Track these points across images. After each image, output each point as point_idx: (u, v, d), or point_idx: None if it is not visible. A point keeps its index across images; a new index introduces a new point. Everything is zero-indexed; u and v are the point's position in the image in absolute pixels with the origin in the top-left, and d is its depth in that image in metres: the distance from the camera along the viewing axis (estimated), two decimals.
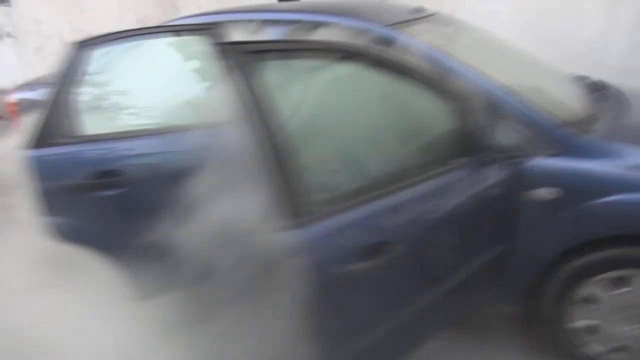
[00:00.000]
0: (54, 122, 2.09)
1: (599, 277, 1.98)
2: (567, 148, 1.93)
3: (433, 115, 1.81)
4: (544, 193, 1.93)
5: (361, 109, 1.67)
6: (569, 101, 2.30)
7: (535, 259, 2.02)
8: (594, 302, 2.03)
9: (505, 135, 1.93)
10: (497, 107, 1.96)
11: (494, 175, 1.89)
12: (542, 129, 1.95)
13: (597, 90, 2.55)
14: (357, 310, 1.46)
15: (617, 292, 1.98)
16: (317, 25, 2.23)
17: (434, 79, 1.79)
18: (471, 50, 2.40)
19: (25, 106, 2.84)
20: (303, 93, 1.47)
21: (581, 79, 2.76)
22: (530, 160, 1.93)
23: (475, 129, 1.83)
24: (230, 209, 1.38)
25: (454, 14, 4.08)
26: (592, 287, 2.01)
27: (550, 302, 2.07)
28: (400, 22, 2.28)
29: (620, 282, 1.97)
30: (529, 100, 2.00)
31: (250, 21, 2.38)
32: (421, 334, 1.83)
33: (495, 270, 2.03)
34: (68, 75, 2.12)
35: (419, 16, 2.52)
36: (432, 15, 2.66)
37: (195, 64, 2.17)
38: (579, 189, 1.92)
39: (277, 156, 1.26)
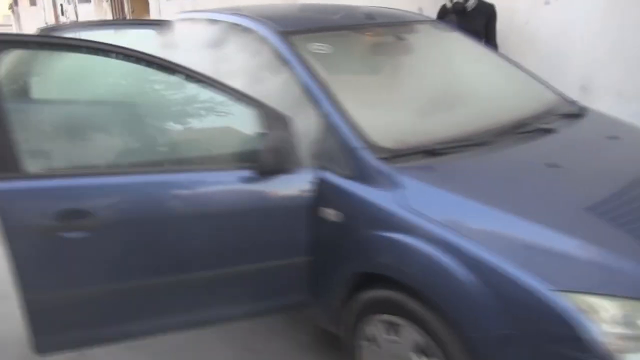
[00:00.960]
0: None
1: (378, 317, 1.82)
2: (359, 172, 1.82)
3: (216, 113, 1.93)
4: (331, 213, 1.87)
5: (119, 95, 1.91)
6: (411, 129, 2.04)
7: (333, 283, 1.95)
8: (375, 344, 1.87)
9: (308, 147, 1.92)
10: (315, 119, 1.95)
11: (285, 184, 1.91)
12: (345, 148, 1.87)
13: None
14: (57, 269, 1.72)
15: (390, 338, 1.79)
16: (234, 26, 2.48)
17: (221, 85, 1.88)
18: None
19: None
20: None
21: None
22: (325, 176, 1.89)
23: (272, 136, 1.87)
24: None
25: (527, 24, 3.73)
26: (374, 327, 1.85)
27: (347, 333, 1.98)
28: (300, 31, 2.33)
29: (392, 328, 1.78)
30: (349, 119, 1.91)
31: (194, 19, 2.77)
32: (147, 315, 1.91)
33: (294, 280, 2.03)
34: None
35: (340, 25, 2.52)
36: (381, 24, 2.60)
37: None
38: (355, 215, 1.80)
39: None
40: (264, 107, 1.88)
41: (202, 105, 1.96)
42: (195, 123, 1.96)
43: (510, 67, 2.74)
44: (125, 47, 1.75)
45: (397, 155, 1.82)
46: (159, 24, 2.94)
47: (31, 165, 1.65)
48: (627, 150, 2.13)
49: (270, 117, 1.87)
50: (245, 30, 2.40)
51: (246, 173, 1.86)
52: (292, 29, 2.32)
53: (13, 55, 1.70)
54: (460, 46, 2.82)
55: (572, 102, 2.57)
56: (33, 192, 1.67)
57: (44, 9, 17.39)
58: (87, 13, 13.28)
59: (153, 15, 9.85)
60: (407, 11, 3.04)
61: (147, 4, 10.12)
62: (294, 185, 1.91)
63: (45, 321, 1.77)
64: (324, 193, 1.89)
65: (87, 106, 1.95)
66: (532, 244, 1.49)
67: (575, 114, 2.41)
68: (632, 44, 3.42)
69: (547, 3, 3.77)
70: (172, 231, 1.82)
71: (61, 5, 15.09)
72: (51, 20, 15.88)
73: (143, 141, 1.91)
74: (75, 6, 14.04)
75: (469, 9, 3.73)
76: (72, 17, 14.08)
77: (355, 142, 1.85)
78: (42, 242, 1.67)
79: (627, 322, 1.35)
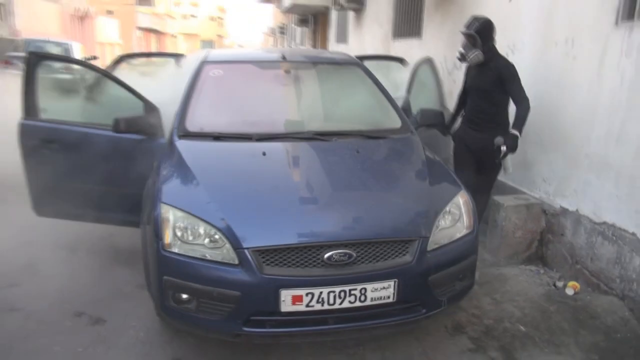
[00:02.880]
0: None
1: None
2: (170, 140, 3.07)
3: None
4: (155, 163, 3.16)
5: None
6: None
7: None
8: None
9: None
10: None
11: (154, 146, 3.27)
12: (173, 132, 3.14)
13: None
14: None
15: None
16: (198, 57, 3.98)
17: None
18: None
19: None
20: None
21: None
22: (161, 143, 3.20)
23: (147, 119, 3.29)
24: None
25: None
26: None
27: None
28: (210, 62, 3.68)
29: None
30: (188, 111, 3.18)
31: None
32: None
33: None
34: None
35: None
36: None
37: None
38: (158, 163, 3.06)
39: None
40: (147, 101, 3.31)
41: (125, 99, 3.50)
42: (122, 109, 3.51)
43: (379, 98, 3.48)
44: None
45: (186, 134, 3.01)
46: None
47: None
48: (345, 159, 2.84)
49: (149, 106, 3.29)
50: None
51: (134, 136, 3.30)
52: (213, 60, 3.67)
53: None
54: (353, 81, 3.67)
55: (403, 128, 3.22)
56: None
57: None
58: None
59: None
60: (345, 55, 4.06)
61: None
62: (155, 145, 3.25)
63: (41, 195, 3.51)
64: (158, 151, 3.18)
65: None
66: (182, 178, 2.56)
67: (375, 137, 3.10)
68: None
69: None
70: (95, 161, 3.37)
71: (290, 46, 18.82)
72: None
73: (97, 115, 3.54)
74: (297, 47, 17.44)
75: (472, 64, 3.55)
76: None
77: (176, 124, 3.10)
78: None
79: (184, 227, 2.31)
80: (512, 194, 3.89)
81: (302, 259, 2.20)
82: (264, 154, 2.79)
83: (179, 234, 2.32)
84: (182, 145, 2.92)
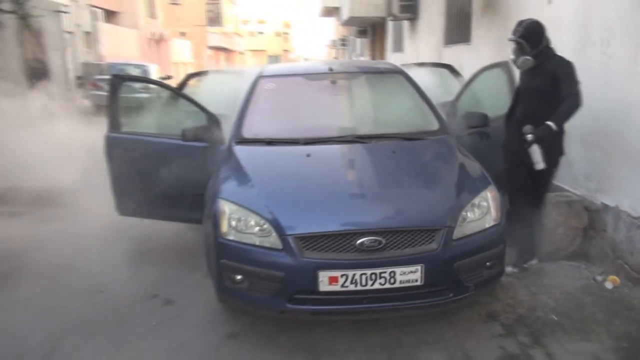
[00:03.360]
0: None
1: None
2: (228, 146, 3.50)
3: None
4: (215, 166, 3.60)
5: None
6: None
7: None
8: None
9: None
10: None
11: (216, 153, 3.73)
12: (230, 134, 3.58)
13: None
14: None
15: None
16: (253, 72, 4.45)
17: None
18: None
19: None
20: None
21: None
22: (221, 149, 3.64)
23: (210, 128, 3.76)
24: None
25: None
26: None
27: None
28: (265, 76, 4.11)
29: None
30: (244, 120, 3.61)
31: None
32: None
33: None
34: None
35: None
36: None
37: None
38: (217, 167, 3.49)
39: None
40: (209, 113, 3.78)
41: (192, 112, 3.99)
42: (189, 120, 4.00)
43: (420, 103, 3.74)
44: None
45: (242, 141, 3.42)
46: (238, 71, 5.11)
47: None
48: (383, 159, 3.14)
49: (211, 118, 3.76)
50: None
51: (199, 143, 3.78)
52: (267, 74, 4.10)
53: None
54: (395, 89, 3.95)
55: (440, 130, 3.46)
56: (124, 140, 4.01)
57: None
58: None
59: None
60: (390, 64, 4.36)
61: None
62: (217, 152, 3.70)
63: (123, 197, 4.07)
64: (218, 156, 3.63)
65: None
66: (232, 178, 2.97)
67: (413, 138, 3.36)
68: None
69: None
70: (169, 167, 3.88)
71: (350, 57, 19.26)
72: None
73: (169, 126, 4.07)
74: (358, 58, 17.84)
75: (522, 68, 3.41)
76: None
77: (234, 132, 3.53)
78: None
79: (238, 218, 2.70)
80: (554, 191, 3.96)
81: (337, 245, 2.51)
82: (308, 155, 3.14)
83: (233, 223, 2.71)
84: (238, 149, 3.34)
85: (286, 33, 79.47)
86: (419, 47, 8.97)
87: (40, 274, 3.77)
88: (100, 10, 20.21)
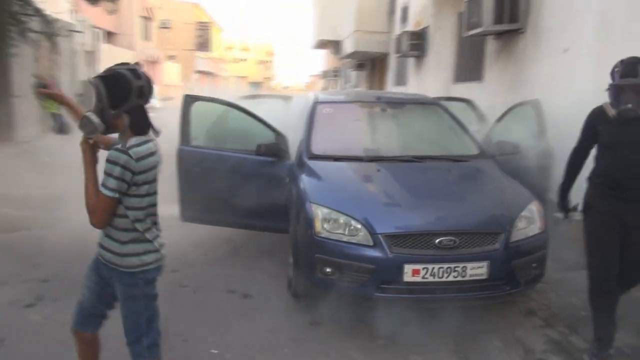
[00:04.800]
0: None
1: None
2: (299, 161, 4.01)
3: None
4: (287, 179, 4.10)
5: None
6: None
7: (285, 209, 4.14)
8: None
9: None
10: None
11: (282, 167, 4.23)
12: (299, 150, 4.09)
13: None
14: None
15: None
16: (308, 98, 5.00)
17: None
18: None
19: None
20: None
21: None
22: (291, 164, 4.14)
23: (278, 145, 4.27)
24: None
25: None
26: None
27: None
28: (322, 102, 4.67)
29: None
30: (312, 138, 4.13)
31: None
32: None
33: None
34: None
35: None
36: None
37: None
38: (291, 179, 3.98)
39: None
40: (277, 131, 4.29)
41: (258, 130, 4.49)
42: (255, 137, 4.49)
43: (458, 131, 4.34)
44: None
45: (313, 156, 3.94)
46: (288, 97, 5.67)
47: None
48: (438, 176, 3.70)
49: (279, 136, 4.27)
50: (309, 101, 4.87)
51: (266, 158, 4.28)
52: (323, 100, 4.65)
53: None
54: (434, 117, 4.56)
55: (480, 154, 4.05)
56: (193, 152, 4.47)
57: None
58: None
59: None
60: (423, 96, 4.98)
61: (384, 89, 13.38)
62: (284, 166, 4.21)
63: (188, 205, 4.50)
64: (289, 170, 4.13)
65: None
66: (320, 187, 3.46)
67: (460, 160, 3.94)
68: None
69: None
70: (234, 178, 4.34)
71: (344, 88, 20.11)
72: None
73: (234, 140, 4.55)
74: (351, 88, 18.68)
75: (624, 116, 2.74)
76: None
77: (303, 148, 4.06)
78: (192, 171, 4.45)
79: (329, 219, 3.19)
80: None
81: (420, 243, 3.03)
82: (378, 170, 3.69)
83: (325, 224, 3.20)
84: (313, 164, 3.85)
85: (268, 61, 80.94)
86: (424, 82, 9.73)
87: None
88: (101, 31, 20.61)
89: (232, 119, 4.71)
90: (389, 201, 3.31)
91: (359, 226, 3.11)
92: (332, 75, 23.47)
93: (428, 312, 3.32)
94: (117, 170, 1.89)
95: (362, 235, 3.09)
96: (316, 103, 4.58)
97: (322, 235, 3.17)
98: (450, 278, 3.02)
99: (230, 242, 4.85)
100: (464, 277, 3.03)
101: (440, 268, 3.00)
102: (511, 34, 6.07)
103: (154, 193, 2.09)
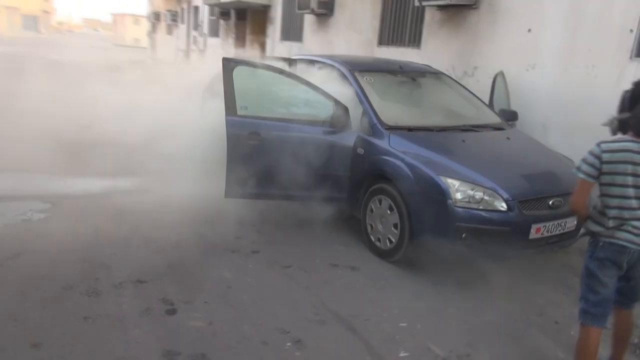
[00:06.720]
0: None
1: (376, 197, 4.05)
2: (374, 132, 4.10)
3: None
4: (359, 150, 4.15)
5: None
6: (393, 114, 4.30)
7: (358, 181, 4.21)
8: (372, 212, 4.09)
9: (355, 122, 4.23)
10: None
11: (346, 138, 4.22)
12: (370, 122, 4.16)
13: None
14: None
15: (378, 206, 4.01)
16: (325, 64, 4.92)
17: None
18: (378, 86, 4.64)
19: None
20: None
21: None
22: (360, 134, 4.18)
23: (340, 115, 4.22)
24: None
25: None
26: (373, 203, 4.08)
27: (363, 209, 4.20)
28: (360, 70, 4.70)
29: (379, 201, 4.00)
30: (375, 109, 4.21)
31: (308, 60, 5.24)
32: None
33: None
34: None
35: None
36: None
37: None
38: (370, 150, 4.07)
39: None
40: (337, 101, 4.23)
41: (311, 98, 4.35)
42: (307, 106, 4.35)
43: (474, 100, 4.91)
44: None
45: (390, 128, 4.09)
46: (288, 60, 5.46)
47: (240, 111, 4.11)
48: (509, 144, 4.27)
49: (339, 105, 4.22)
50: (333, 67, 4.82)
51: (326, 129, 4.20)
52: (357, 69, 4.69)
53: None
54: (448, 87, 5.05)
55: (504, 122, 4.69)
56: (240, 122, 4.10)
57: (177, 38, 21.45)
58: (215, 45, 16.72)
59: (268, 52, 12.82)
60: (427, 65, 5.37)
61: (264, 43, 13.13)
62: (347, 137, 4.21)
63: (235, 179, 4.15)
64: (358, 142, 4.17)
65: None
66: (433, 160, 3.69)
67: (499, 127, 4.54)
68: None
69: None
70: (289, 150, 4.16)
71: (194, 37, 18.83)
72: (183, 48, 19.73)
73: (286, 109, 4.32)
74: (206, 39, 17.62)
75: None
76: (202, 47, 17.65)
77: (374, 120, 4.14)
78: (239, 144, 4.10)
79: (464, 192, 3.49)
80: None
81: (539, 205, 3.58)
82: (463, 140, 4.06)
83: (458, 194, 3.49)
84: (400, 135, 4.02)
85: None
86: (331, 41, 9.99)
87: None
88: None
89: (273, 84, 4.43)
90: (501, 169, 3.74)
91: (491, 194, 3.50)
92: (170, 19, 21.55)
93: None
94: None
95: (497, 202, 3.49)
96: (354, 72, 4.61)
97: (460, 205, 3.47)
98: (557, 232, 3.66)
99: (288, 217, 4.62)
100: (564, 230, 3.70)
101: (551, 224, 3.61)
102: (459, 8, 6.80)
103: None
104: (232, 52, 15.08)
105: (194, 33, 19.10)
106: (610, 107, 5.03)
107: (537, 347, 2.99)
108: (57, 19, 71.27)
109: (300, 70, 5.15)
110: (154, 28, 26.42)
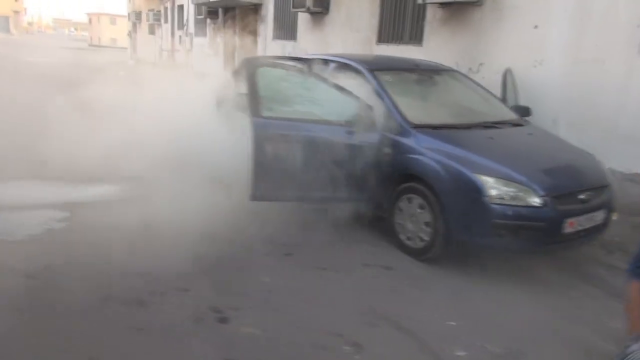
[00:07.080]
0: None
1: (405, 196, 4.06)
2: (401, 131, 4.11)
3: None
4: (386, 150, 4.16)
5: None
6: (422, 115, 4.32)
7: (387, 183, 4.20)
8: (401, 210, 4.10)
9: (379, 121, 4.23)
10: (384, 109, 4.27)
11: (371, 138, 4.21)
12: (395, 121, 4.17)
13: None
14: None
15: (408, 205, 4.02)
16: (341, 64, 4.90)
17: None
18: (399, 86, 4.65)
19: None
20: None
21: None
22: (385, 134, 4.18)
23: (365, 114, 4.21)
24: None
25: None
26: (402, 202, 4.08)
27: (390, 209, 4.21)
28: (378, 69, 4.70)
29: (409, 200, 4.01)
30: (398, 109, 4.22)
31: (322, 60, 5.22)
32: None
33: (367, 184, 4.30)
34: None
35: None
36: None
37: None
38: (396, 150, 4.07)
39: None
40: (363, 101, 4.22)
41: (335, 99, 4.33)
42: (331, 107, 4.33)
43: (489, 97, 4.96)
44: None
45: (416, 126, 4.10)
46: (303, 59, 5.43)
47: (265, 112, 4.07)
48: (532, 140, 4.33)
49: (363, 105, 4.21)
50: (350, 66, 4.80)
51: (350, 128, 4.19)
52: (376, 68, 4.69)
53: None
54: (462, 84, 5.09)
55: (520, 118, 4.75)
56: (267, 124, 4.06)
57: (161, 38, 21.12)
58: (201, 45, 16.51)
59: (259, 51, 12.72)
60: (440, 64, 5.40)
61: (255, 42, 13.03)
62: (372, 136, 4.21)
63: (261, 182, 4.11)
64: (384, 141, 4.17)
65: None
66: (465, 158, 3.72)
67: (517, 124, 4.60)
68: None
69: None
70: (315, 151, 4.14)
71: (179, 36, 18.56)
72: (167, 48, 19.41)
73: (307, 110, 4.30)
74: (192, 38, 17.39)
75: None
76: (188, 47, 17.41)
77: (399, 119, 4.14)
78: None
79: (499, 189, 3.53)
80: None
81: (571, 200, 3.63)
82: (491, 137, 4.10)
83: (493, 191, 3.52)
84: (427, 134, 4.03)
85: None
86: (327, 40, 9.96)
87: None
88: None
89: (295, 84, 4.40)
90: (531, 165, 3.78)
91: (526, 190, 3.54)
92: (152, 18, 21.19)
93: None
94: None
95: (531, 198, 3.53)
96: (373, 71, 4.61)
97: (496, 202, 3.50)
98: (587, 225, 3.73)
99: (314, 219, 4.56)
100: (595, 223, 3.77)
101: (584, 218, 3.68)
102: (462, 5, 6.86)
103: None
104: (220, 51, 14.94)
105: (179, 33, 18.83)
106: (618, 102, 5.21)
107: (585, 340, 3.03)
108: (26, 20, 69.38)
109: (315, 70, 5.14)
110: (134, 28, 25.96)
